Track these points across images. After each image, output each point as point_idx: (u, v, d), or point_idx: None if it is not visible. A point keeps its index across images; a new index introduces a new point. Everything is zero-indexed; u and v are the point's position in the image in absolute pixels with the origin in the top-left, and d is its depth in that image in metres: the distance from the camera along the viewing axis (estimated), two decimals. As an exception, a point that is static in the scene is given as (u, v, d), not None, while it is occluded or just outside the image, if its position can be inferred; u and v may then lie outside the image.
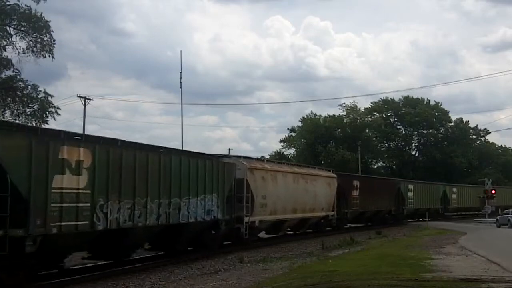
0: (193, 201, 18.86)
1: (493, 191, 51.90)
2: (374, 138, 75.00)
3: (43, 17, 33.29)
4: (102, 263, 16.99)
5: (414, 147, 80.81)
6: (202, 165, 19.60)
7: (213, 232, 21.14)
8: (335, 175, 33.68)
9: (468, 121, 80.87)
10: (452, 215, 56.59)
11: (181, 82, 49.54)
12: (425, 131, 77.93)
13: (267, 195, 24.63)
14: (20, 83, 33.52)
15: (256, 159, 27.84)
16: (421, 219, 48.43)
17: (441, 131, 79.01)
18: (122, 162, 15.25)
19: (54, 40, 33.89)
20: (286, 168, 28.83)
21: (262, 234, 27.26)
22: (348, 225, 36.77)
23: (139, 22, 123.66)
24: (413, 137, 79.38)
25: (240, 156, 25.18)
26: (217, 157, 22.94)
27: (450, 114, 79.28)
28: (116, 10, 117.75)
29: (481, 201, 58.05)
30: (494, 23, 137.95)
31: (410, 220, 47.89)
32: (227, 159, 23.23)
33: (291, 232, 30.35)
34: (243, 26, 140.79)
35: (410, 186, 46.88)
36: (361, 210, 37.21)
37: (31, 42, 33.35)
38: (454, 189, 58.11)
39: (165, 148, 20.30)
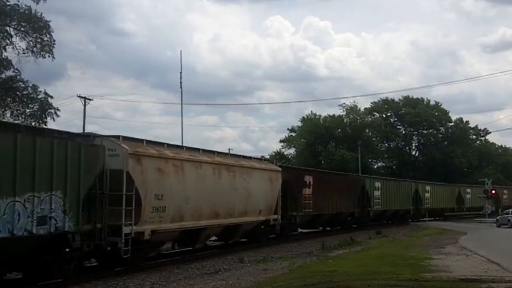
0: (3, 203, 11.92)
1: (493, 191, 51.84)
2: (374, 138, 75.06)
3: (43, 17, 33.33)
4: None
5: (414, 147, 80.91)
6: (30, 146, 12.76)
7: (61, 253, 14.07)
8: (279, 168, 26.58)
9: (468, 121, 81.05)
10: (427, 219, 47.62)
11: (181, 82, 49.48)
12: (425, 131, 77.95)
13: (166, 194, 17.35)
14: (20, 83, 33.52)
15: (155, 142, 18.54)
16: (390, 222, 43.69)
17: (441, 131, 79.02)
18: None
19: (54, 40, 33.94)
20: (201, 156, 20.08)
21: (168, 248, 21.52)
22: (300, 230, 31.36)
23: (139, 22, 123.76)
24: (413, 137, 79.41)
25: (118, 136, 16.73)
26: (75, 136, 15.58)
27: (450, 114, 79.44)
28: (116, 10, 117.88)
29: (457, 201, 57.90)
30: (493, 23, 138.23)
31: (374, 223, 40.02)
32: (90, 139, 15.59)
33: (219, 243, 24.36)
34: (243, 26, 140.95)
35: (377, 184, 40.16)
36: (315, 213, 30.44)
37: (31, 42, 33.37)
38: (428, 187, 51.46)
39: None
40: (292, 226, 28.54)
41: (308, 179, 29.83)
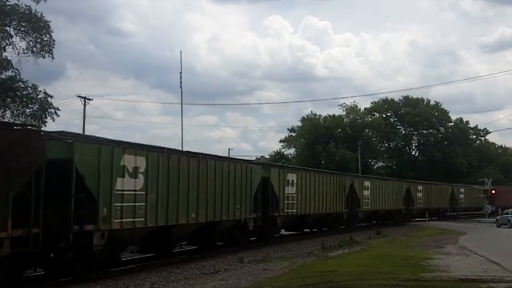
0: None
1: (493, 191, 51.79)
2: (374, 138, 75.11)
3: (43, 17, 33.30)
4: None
5: (414, 147, 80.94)
6: None
7: None
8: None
9: (468, 121, 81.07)
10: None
11: (181, 82, 49.41)
12: (425, 131, 78.00)
13: None
14: (20, 83, 33.50)
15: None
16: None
17: (441, 131, 79.05)
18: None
19: (54, 40, 33.91)
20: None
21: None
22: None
23: (138, 22, 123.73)
24: (413, 137, 79.49)
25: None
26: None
27: (449, 114, 79.44)
28: (114, 10, 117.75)
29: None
30: (492, 23, 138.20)
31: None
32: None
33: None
34: (242, 26, 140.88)
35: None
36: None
37: (31, 42, 33.35)
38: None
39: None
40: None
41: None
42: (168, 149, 19.86)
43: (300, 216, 28.82)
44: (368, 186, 38.05)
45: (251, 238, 24.66)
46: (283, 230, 29.35)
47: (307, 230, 32.77)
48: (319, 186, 30.58)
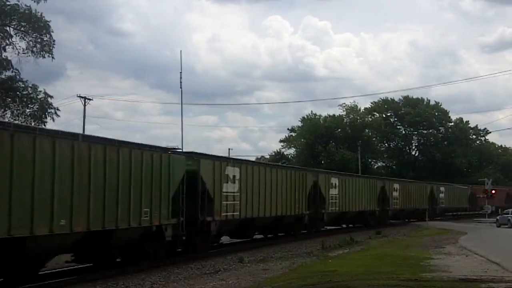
0: None
1: (493, 191, 51.79)
2: (374, 138, 75.12)
3: (43, 17, 33.34)
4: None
5: (414, 147, 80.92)
6: None
7: None
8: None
9: (468, 121, 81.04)
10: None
11: (181, 82, 49.16)
12: (425, 131, 77.98)
13: None
14: (20, 83, 33.52)
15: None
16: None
17: (441, 131, 79.03)
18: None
19: (54, 40, 33.95)
20: None
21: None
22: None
23: (138, 22, 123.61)
24: (413, 137, 79.46)
25: None
26: None
27: (449, 114, 79.42)
28: (114, 10, 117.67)
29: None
30: (492, 23, 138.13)
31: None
32: None
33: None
34: (242, 26, 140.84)
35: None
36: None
37: (31, 42, 33.39)
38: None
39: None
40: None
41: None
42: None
43: (246, 220, 23.79)
44: (335, 184, 33.19)
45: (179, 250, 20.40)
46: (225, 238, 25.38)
47: (261, 236, 28.44)
48: (271, 182, 25.57)
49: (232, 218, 22.42)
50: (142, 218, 16.27)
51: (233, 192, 22.36)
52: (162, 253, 17.95)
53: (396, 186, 43.69)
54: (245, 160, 29.79)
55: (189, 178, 18.88)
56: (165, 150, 18.50)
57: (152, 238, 17.25)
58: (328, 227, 34.41)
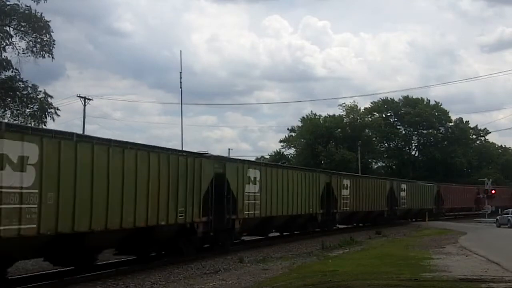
0: None
1: (493, 191, 51.78)
2: (374, 138, 75.07)
3: (43, 17, 33.28)
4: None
5: (414, 147, 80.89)
6: None
7: None
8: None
9: (468, 121, 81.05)
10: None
11: (181, 82, 49.30)
12: (425, 131, 77.94)
13: None
14: (19, 83, 33.48)
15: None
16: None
17: (441, 131, 79.03)
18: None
19: (54, 40, 33.88)
20: None
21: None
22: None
23: (136, 22, 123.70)
24: (413, 137, 79.45)
25: None
26: None
27: (449, 114, 79.39)
28: (113, 10, 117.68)
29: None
30: (491, 23, 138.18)
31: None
32: None
33: None
34: (241, 26, 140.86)
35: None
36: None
37: (30, 42, 33.32)
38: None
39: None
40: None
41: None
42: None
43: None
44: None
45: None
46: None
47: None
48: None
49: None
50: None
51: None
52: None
53: (346, 182, 36.82)
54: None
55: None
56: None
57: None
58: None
